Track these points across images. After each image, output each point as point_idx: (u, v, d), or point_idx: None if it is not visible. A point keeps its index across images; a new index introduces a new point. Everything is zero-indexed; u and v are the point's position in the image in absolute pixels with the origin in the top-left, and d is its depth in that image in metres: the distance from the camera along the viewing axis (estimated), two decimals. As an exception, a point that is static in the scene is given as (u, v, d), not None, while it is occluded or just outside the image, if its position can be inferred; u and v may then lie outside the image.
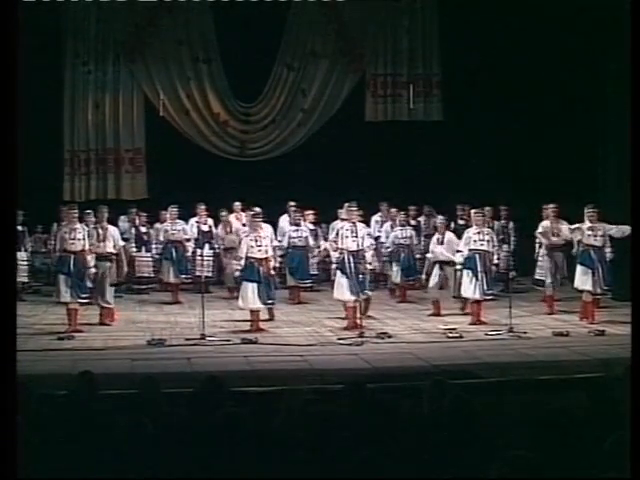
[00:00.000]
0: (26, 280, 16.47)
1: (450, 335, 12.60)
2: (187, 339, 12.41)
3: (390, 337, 12.59)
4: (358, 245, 13.36)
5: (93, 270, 13.54)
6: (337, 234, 13.72)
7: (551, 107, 18.21)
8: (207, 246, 16.76)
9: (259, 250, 13.39)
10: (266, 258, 13.43)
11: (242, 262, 13.49)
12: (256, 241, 13.47)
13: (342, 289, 13.39)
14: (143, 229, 17.67)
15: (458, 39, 18.62)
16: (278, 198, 16.95)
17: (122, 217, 17.33)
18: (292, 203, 16.91)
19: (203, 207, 17.22)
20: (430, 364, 10.70)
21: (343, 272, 13.32)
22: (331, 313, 14.64)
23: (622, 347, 10.20)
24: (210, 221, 17.32)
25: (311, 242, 16.48)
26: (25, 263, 16.27)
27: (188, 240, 16.83)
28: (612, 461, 4.75)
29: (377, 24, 19.39)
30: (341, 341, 12.30)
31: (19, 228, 15.77)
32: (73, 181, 19.13)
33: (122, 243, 14.41)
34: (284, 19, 19.04)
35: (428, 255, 14.85)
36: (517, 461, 4.21)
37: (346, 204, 14.04)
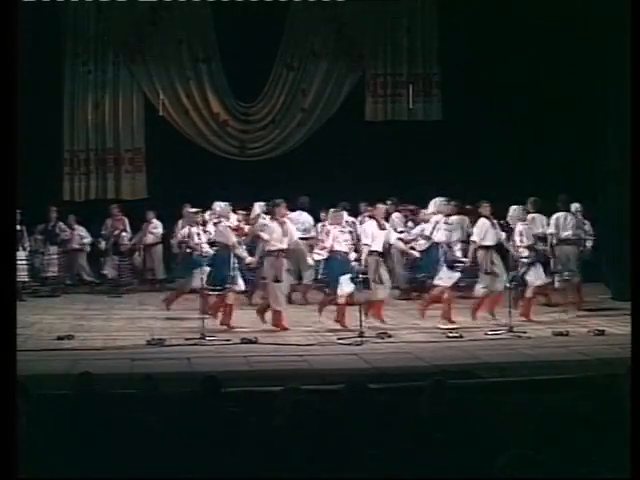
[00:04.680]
0: (26, 280, 16.49)
1: (450, 335, 12.59)
2: (187, 339, 12.40)
3: (390, 337, 12.59)
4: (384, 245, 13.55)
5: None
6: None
7: (551, 107, 18.24)
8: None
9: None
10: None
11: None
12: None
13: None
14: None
15: (458, 39, 18.63)
16: (277, 198, 16.92)
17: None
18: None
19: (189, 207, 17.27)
20: (430, 364, 10.68)
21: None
22: (331, 313, 14.63)
23: (622, 347, 10.20)
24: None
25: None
26: (25, 263, 16.28)
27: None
28: (612, 461, 4.75)
29: (377, 24, 19.39)
30: (341, 341, 12.29)
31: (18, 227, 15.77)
32: (73, 181, 19.13)
33: (235, 239, 13.92)
34: (284, 19, 19.04)
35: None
36: (517, 460, 4.21)
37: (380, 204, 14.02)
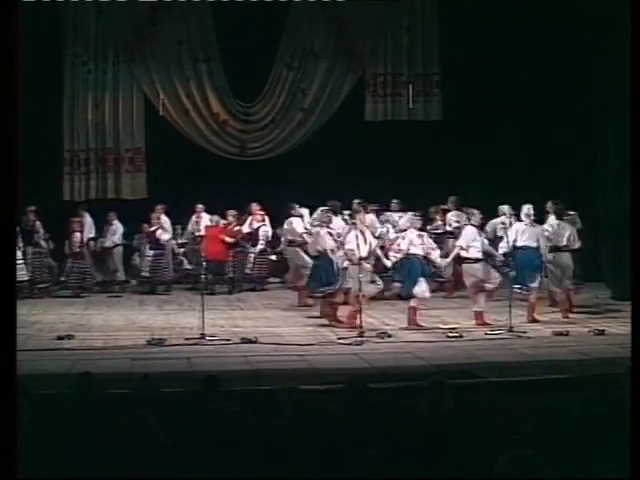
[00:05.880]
0: (26, 278, 16.47)
1: (450, 335, 12.59)
2: (187, 339, 12.40)
3: (390, 337, 12.59)
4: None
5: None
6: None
7: (551, 106, 18.24)
8: (147, 247, 17.38)
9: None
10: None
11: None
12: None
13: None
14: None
15: (458, 39, 18.63)
16: (277, 198, 16.96)
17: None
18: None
19: (159, 207, 17.39)
20: (430, 364, 10.69)
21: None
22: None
23: (622, 347, 10.21)
24: (165, 220, 17.43)
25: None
26: (20, 263, 16.24)
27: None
28: (612, 461, 4.75)
29: (377, 24, 19.38)
30: (341, 341, 12.29)
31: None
32: (73, 181, 19.13)
33: (333, 245, 13.80)
34: (284, 19, 19.04)
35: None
36: (517, 460, 4.21)
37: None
